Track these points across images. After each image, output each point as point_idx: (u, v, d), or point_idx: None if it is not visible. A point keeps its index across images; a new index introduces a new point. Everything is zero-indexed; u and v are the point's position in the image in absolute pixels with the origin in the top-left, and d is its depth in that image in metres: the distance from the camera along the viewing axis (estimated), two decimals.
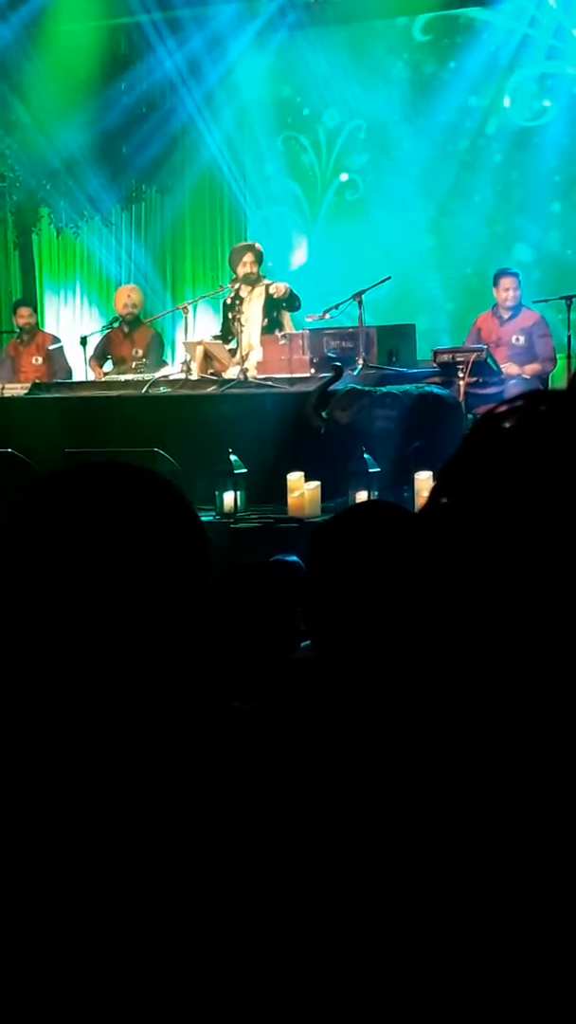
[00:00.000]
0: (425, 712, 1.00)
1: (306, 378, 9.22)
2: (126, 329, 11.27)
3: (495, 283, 10.12)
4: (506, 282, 10.02)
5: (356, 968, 1.12)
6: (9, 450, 8.88)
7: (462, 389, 9.23)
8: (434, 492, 1.03)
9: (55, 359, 11.92)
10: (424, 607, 1.00)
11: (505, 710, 0.97)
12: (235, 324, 10.09)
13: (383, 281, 10.06)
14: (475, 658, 0.98)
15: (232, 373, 9.67)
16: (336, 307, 9.83)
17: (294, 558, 4.16)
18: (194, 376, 9.77)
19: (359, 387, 8.73)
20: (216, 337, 10.45)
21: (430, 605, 1.00)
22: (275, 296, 10.04)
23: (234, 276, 10.34)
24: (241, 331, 9.97)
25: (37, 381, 10.94)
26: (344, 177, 13.64)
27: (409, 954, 1.03)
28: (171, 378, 9.99)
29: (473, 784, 0.99)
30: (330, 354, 9.37)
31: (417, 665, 1.01)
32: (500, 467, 0.99)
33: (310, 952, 1.19)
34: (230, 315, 10.29)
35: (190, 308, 10.77)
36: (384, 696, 1.71)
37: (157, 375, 10.19)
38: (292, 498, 8.07)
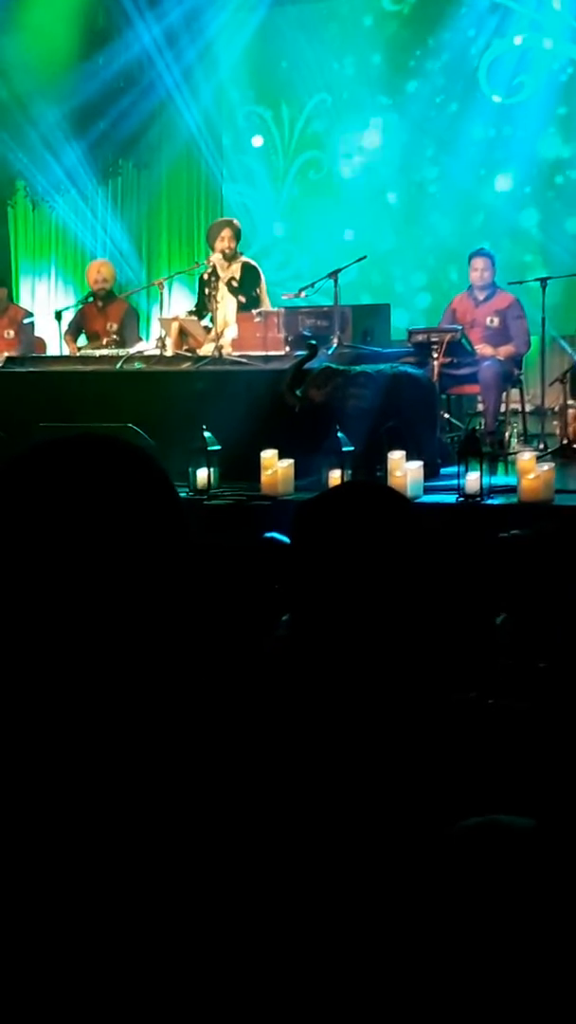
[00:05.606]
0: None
1: (281, 356, 9.20)
2: (100, 304, 11.22)
3: (469, 263, 10.13)
4: (478, 263, 10.04)
5: (346, 953, 1.12)
6: None
7: (436, 369, 9.23)
8: None
9: (27, 333, 11.87)
10: None
11: None
12: (211, 301, 10.06)
13: (359, 260, 10.04)
14: None
15: (207, 350, 9.65)
16: (311, 285, 9.79)
17: (283, 537, 4.10)
18: (169, 352, 9.74)
19: (334, 366, 8.72)
20: (191, 313, 10.42)
21: None
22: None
23: (211, 251, 10.31)
24: (216, 308, 9.94)
25: (9, 355, 10.89)
26: (313, 155, 13.62)
27: (401, 944, 1.03)
28: (145, 354, 9.96)
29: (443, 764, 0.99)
30: (305, 332, 9.35)
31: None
32: None
33: (302, 947, 1.19)
34: (206, 291, 10.26)
35: (165, 284, 10.72)
36: (360, 673, 1.71)
37: (131, 351, 10.15)
38: (265, 476, 8.06)
